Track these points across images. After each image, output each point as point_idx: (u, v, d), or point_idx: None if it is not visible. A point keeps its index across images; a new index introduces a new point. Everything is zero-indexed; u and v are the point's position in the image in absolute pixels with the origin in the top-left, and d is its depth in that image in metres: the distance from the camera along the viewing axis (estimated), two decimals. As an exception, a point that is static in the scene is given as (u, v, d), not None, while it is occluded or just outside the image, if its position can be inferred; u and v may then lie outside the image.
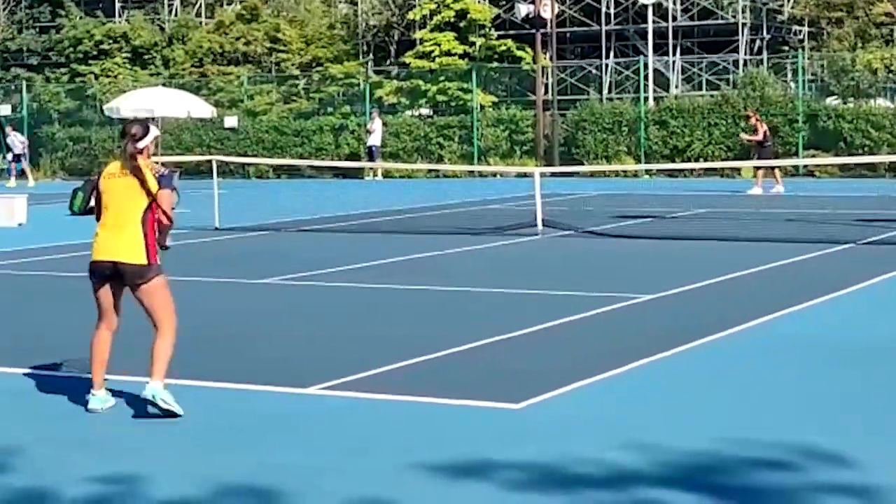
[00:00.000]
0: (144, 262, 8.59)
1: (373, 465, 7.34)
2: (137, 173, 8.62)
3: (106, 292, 8.79)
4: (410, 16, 49.40)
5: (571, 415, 8.52)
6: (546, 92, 43.36)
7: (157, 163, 8.97)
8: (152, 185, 8.60)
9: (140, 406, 8.83)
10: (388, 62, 50.94)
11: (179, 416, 8.42)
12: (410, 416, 8.53)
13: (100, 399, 8.78)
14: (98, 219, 8.88)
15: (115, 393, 9.00)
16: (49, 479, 7.11)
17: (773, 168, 30.66)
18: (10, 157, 40.87)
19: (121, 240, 8.60)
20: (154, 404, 8.46)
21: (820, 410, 8.58)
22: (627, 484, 6.87)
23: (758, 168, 30.59)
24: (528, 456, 7.40)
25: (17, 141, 40.67)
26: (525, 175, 34.15)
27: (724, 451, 7.46)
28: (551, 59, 44.31)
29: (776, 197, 29.32)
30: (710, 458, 7.34)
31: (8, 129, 41.48)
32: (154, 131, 8.89)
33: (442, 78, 44.59)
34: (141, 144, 8.71)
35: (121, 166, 8.74)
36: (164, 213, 8.64)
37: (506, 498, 6.71)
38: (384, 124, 41.93)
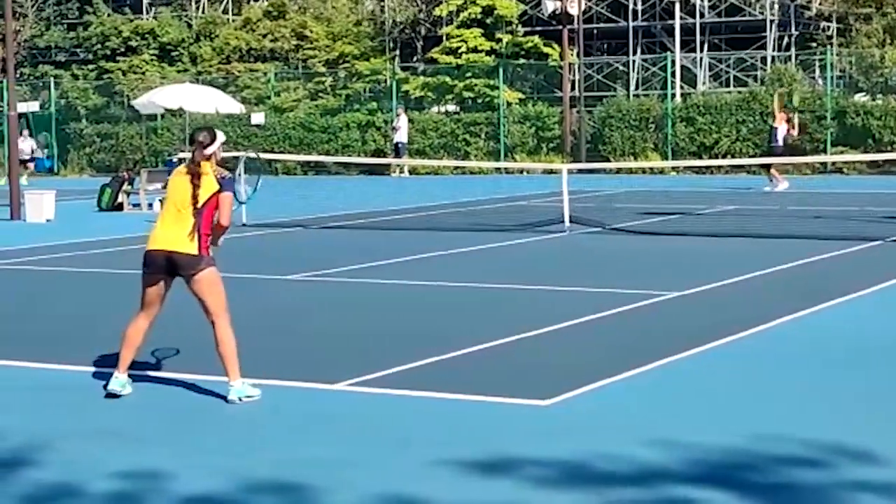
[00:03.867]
0: (196, 252, 8.95)
1: (402, 460, 7.33)
2: (195, 178, 8.99)
3: (156, 284, 9.07)
4: (437, 12, 49.39)
5: (600, 412, 8.50)
6: (573, 88, 43.29)
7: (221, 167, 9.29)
8: (209, 187, 8.95)
9: (167, 400, 8.86)
10: (414, 59, 50.96)
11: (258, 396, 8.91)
12: (439, 413, 8.53)
13: (121, 382, 9.01)
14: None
15: (150, 387, 9.06)
16: (77, 473, 7.13)
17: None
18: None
19: (175, 231, 8.98)
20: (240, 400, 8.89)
21: (848, 407, 8.53)
22: (656, 481, 6.85)
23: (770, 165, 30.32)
24: (556, 453, 7.38)
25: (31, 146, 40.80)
26: (552, 172, 34.10)
27: (752, 447, 7.43)
28: (578, 55, 44.24)
29: (771, 194, 29.15)
30: (739, 455, 7.31)
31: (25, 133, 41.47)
32: (221, 136, 9.26)
33: (468, 74, 44.56)
34: (209, 151, 9.11)
35: (187, 167, 9.13)
36: (223, 217, 9.06)
37: (534, 494, 6.70)
38: (410, 121, 41.93)
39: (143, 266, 9.11)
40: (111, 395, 8.99)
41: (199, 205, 8.95)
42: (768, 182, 30.44)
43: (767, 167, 30.56)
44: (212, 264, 9.02)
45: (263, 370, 9.82)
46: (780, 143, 30.50)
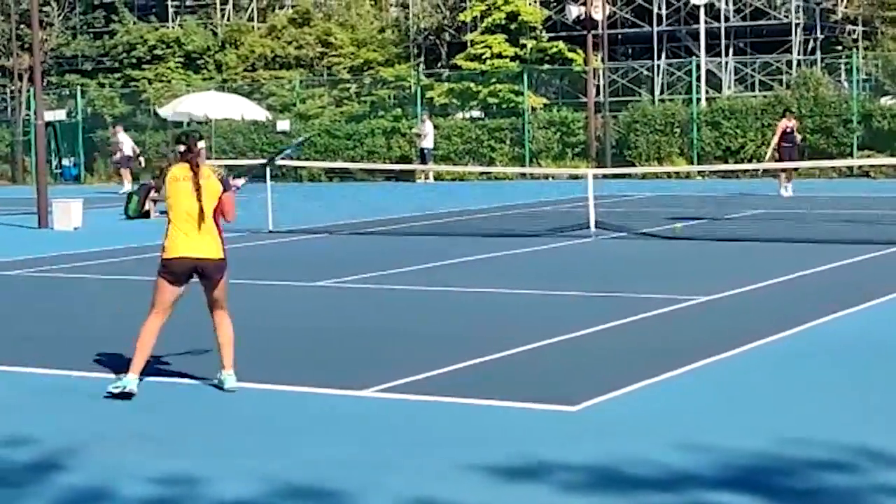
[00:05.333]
0: (223, 256, 9.31)
1: (431, 464, 7.37)
2: (199, 184, 9.21)
3: (175, 289, 9.30)
4: (461, 18, 49.43)
5: (629, 416, 8.52)
6: (597, 93, 43.25)
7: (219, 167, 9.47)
8: (215, 190, 9.23)
9: (197, 404, 8.92)
10: (438, 65, 50.99)
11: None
12: (468, 418, 8.56)
13: (133, 382, 9.19)
14: (168, 216, 9.42)
15: (179, 390, 9.15)
16: (107, 478, 7.19)
17: (783, 169, 30.29)
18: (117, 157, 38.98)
19: (201, 238, 9.21)
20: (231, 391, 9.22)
21: (878, 412, 8.53)
22: (685, 486, 6.87)
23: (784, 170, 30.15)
24: (585, 457, 7.40)
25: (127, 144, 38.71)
26: (577, 177, 34.07)
27: (782, 452, 7.44)
28: (602, 60, 44.21)
29: (782, 198, 29.05)
30: (769, 460, 7.32)
31: (118, 129, 39.55)
32: (201, 144, 9.48)
33: (493, 80, 44.58)
34: (199, 146, 9.41)
35: (187, 169, 9.28)
36: (228, 215, 9.37)
37: (562, 499, 6.73)
38: (435, 127, 41.99)
39: (166, 273, 9.27)
40: (124, 395, 9.12)
41: (213, 210, 9.23)
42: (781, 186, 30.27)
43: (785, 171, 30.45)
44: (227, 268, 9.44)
45: (292, 376, 9.87)
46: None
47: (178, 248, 9.21)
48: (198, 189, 9.17)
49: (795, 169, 30.40)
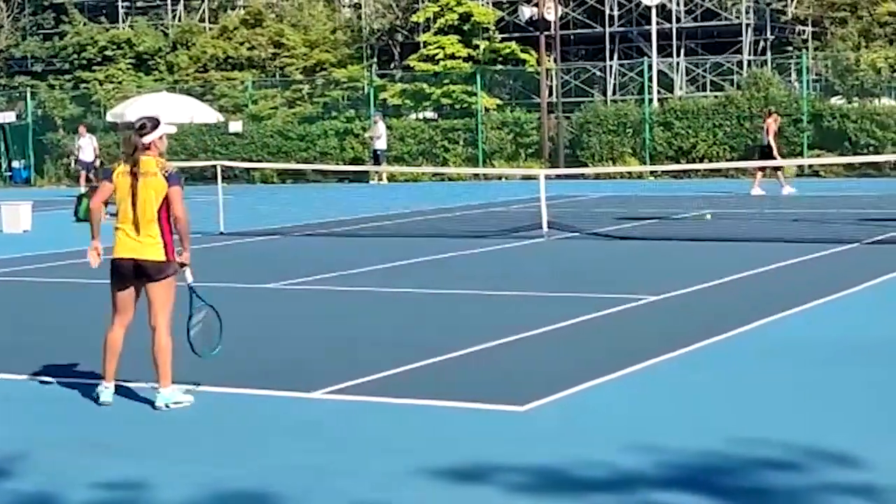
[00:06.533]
0: (163, 258, 8.84)
1: (379, 467, 7.34)
2: (134, 168, 8.74)
3: (125, 290, 8.96)
4: (414, 19, 49.41)
5: (577, 417, 8.52)
6: (550, 94, 43.34)
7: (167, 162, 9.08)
8: (159, 188, 8.75)
9: (147, 410, 8.85)
10: (392, 66, 50.94)
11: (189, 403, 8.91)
12: (416, 419, 8.54)
13: (112, 392, 8.96)
14: (116, 215, 9.03)
15: (131, 398, 9.05)
16: (56, 483, 7.12)
17: (777, 169, 30.66)
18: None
19: (140, 238, 8.81)
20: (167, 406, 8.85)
21: (826, 410, 8.57)
22: (634, 486, 6.87)
23: (762, 168, 30.49)
24: (533, 458, 7.40)
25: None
26: (530, 178, 34.12)
27: (731, 452, 7.46)
28: (555, 61, 44.30)
29: (786, 197, 29.26)
30: (718, 460, 7.34)
31: (82, 130, 38.87)
32: (164, 128, 8.96)
33: (446, 81, 44.58)
34: (147, 139, 8.83)
35: (129, 165, 8.84)
36: (176, 210, 8.79)
37: (511, 500, 6.72)
38: (388, 128, 41.95)
39: (112, 274, 8.99)
40: (105, 405, 8.95)
41: (157, 208, 8.76)
42: (780, 185, 30.45)
43: (775, 171, 30.69)
44: (176, 271, 8.94)
45: (241, 379, 9.81)
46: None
47: (119, 248, 8.92)
48: (133, 185, 8.74)
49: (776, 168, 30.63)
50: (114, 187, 8.92)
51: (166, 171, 8.81)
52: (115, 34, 52.59)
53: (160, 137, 8.91)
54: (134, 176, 8.79)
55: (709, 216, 22.98)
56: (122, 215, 8.90)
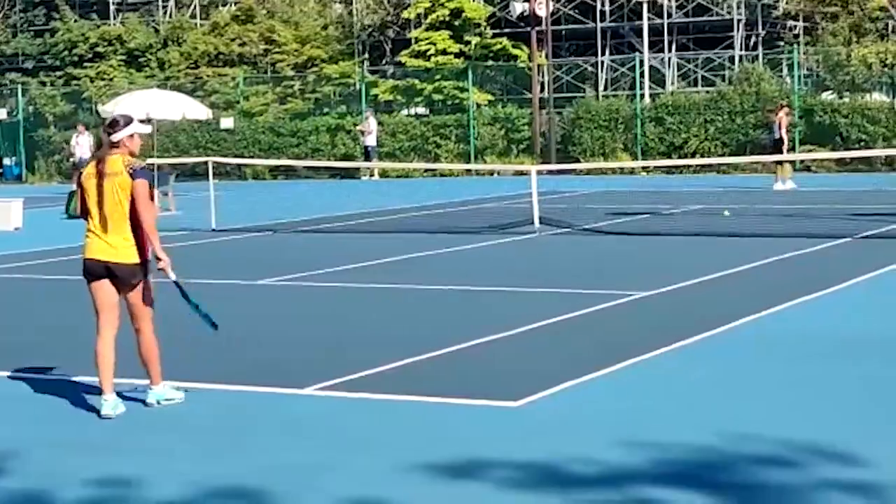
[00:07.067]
0: (137, 260, 8.56)
1: (371, 464, 7.32)
2: (99, 165, 8.49)
3: (102, 290, 8.67)
4: (405, 15, 49.33)
5: (570, 412, 8.50)
6: (542, 90, 43.33)
7: (143, 160, 8.83)
8: (124, 186, 8.44)
9: (137, 408, 8.82)
10: (383, 61, 50.89)
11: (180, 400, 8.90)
12: (408, 416, 8.51)
13: (112, 404, 8.63)
14: (85, 217, 8.77)
15: (118, 395, 8.99)
16: (46, 481, 7.09)
17: (779, 163, 30.59)
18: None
19: (110, 239, 8.54)
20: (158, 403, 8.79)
21: (819, 405, 8.56)
22: (627, 482, 6.86)
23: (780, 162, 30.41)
24: (526, 454, 7.38)
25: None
26: (522, 173, 34.13)
27: (723, 447, 7.45)
28: (547, 56, 44.28)
29: (783, 192, 29.26)
30: (710, 455, 7.32)
31: (80, 128, 38.73)
32: (136, 126, 8.65)
33: (438, 77, 44.54)
34: (115, 137, 8.56)
35: (95, 164, 8.60)
36: (138, 205, 8.44)
37: (504, 497, 6.70)
38: (380, 124, 41.91)
39: (85, 275, 8.69)
40: (107, 418, 8.61)
41: (126, 208, 8.45)
42: (775, 180, 30.42)
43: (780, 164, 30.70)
44: (151, 270, 8.64)
45: (231, 375, 9.79)
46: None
47: (90, 249, 8.64)
48: (99, 185, 8.48)
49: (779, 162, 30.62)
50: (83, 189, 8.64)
51: (132, 168, 8.49)
52: (106, 31, 52.47)
53: (130, 136, 8.59)
54: (99, 175, 8.53)
55: (727, 213, 23.21)
56: (91, 215, 8.62)
